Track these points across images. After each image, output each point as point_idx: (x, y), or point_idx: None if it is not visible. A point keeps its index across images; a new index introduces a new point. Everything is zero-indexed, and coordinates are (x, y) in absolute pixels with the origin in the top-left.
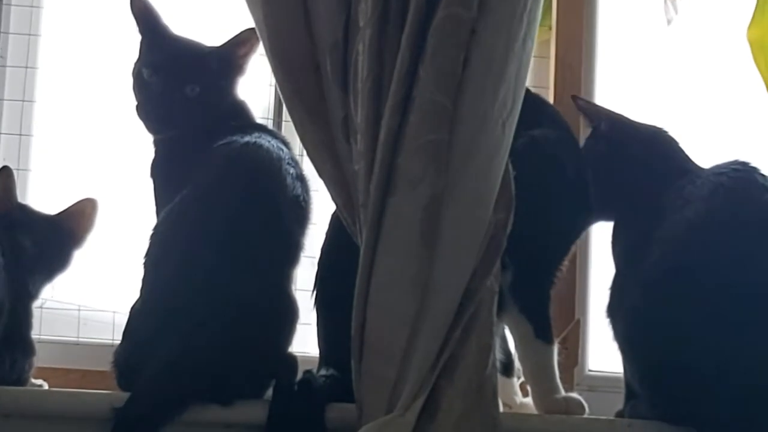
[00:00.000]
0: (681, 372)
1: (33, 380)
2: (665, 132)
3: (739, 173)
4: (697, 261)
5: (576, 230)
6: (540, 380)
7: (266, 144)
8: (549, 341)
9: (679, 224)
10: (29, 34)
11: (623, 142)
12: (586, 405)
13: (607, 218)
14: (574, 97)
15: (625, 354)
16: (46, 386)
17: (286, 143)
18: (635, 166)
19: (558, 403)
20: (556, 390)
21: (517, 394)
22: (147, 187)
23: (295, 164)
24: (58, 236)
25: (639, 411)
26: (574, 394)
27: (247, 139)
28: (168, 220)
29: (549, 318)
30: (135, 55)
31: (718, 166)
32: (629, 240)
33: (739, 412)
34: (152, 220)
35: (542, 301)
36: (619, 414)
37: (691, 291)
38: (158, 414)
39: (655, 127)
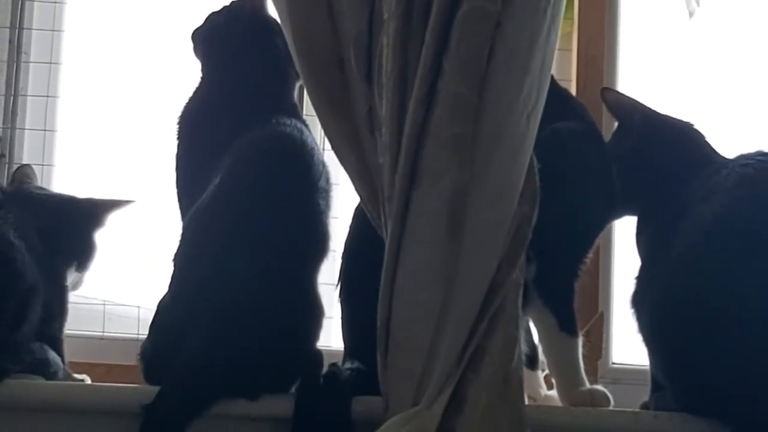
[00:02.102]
0: (706, 364)
1: (75, 375)
2: (694, 126)
3: (765, 164)
4: (722, 253)
5: (600, 223)
6: (565, 373)
7: (296, 133)
8: (573, 334)
9: (705, 216)
10: (53, 30)
11: (656, 136)
12: (611, 397)
13: (633, 212)
14: (604, 90)
15: (649, 345)
16: (88, 380)
17: (310, 131)
18: (665, 160)
19: (583, 395)
20: (581, 382)
21: (542, 387)
22: (172, 181)
23: (321, 153)
24: (78, 215)
25: (664, 403)
26: (599, 387)
27: (274, 129)
28: (198, 216)
29: (573, 311)
30: (158, 48)
31: (743, 156)
32: (655, 232)
33: (762, 404)
34: (176, 214)
35: (566, 294)
36: (645, 406)
37: (715, 283)
38: (187, 409)
39: (684, 121)
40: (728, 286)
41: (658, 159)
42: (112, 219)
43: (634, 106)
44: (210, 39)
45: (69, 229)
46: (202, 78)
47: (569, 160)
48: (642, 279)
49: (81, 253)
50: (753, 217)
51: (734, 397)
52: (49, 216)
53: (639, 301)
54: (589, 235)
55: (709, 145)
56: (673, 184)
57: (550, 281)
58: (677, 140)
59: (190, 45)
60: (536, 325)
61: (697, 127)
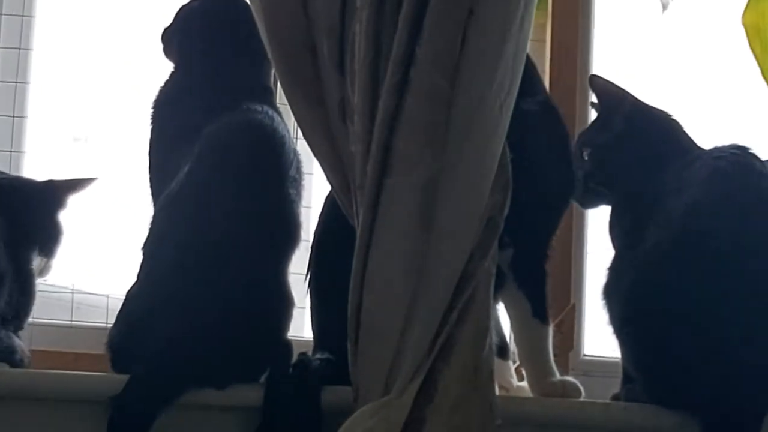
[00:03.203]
0: (675, 356)
1: None
2: (673, 116)
3: (738, 158)
4: (693, 246)
5: (563, 203)
6: (536, 362)
7: (266, 121)
8: (545, 322)
9: (677, 208)
10: (23, 15)
11: (642, 125)
12: (582, 388)
13: (609, 201)
14: (593, 77)
15: (620, 337)
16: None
17: (282, 118)
18: (648, 150)
19: (554, 386)
20: (551, 373)
21: (513, 377)
22: (142, 168)
23: (293, 141)
24: (38, 197)
25: (634, 395)
26: (570, 378)
27: (244, 116)
28: (166, 204)
29: (546, 297)
30: (129, 36)
31: (717, 149)
32: (628, 222)
33: (732, 397)
34: (145, 201)
35: (541, 279)
36: (615, 397)
37: (686, 275)
38: (156, 398)
39: (665, 111)
40: (697, 279)
41: (642, 148)
42: (78, 202)
43: (623, 95)
44: (185, 24)
45: (30, 212)
46: (175, 65)
47: (530, 139)
48: (613, 270)
49: (44, 237)
50: (722, 212)
51: (702, 390)
52: (8, 200)
53: (611, 291)
54: (555, 215)
55: (687, 135)
56: (651, 173)
57: (525, 265)
58: (660, 130)
59: (160, 45)
60: (509, 312)
61: (675, 117)
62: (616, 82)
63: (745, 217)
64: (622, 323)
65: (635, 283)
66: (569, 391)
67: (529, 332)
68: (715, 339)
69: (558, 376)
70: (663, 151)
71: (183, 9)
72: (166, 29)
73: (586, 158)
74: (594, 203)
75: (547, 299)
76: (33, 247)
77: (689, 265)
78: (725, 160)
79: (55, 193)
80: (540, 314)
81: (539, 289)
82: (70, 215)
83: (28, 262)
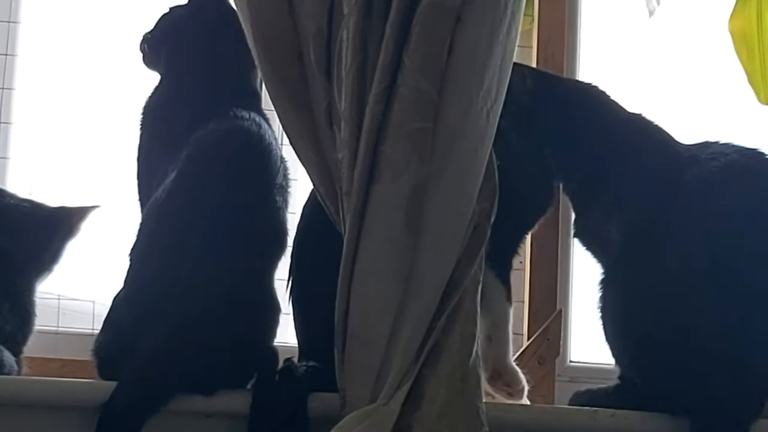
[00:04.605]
0: (666, 358)
1: None
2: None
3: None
4: (677, 249)
5: (543, 200)
6: (502, 342)
7: (253, 128)
8: (511, 303)
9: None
10: (9, 21)
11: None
12: (524, 382)
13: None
14: None
15: (608, 339)
16: None
17: (269, 125)
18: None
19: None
20: (509, 355)
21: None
22: (128, 175)
23: (279, 148)
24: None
25: (623, 396)
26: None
27: (231, 123)
28: (153, 211)
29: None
30: (115, 42)
31: (711, 151)
32: (617, 226)
33: (722, 400)
34: (131, 208)
35: (510, 268)
36: (589, 392)
37: (681, 280)
38: (143, 405)
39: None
40: (689, 284)
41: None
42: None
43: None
44: (171, 31)
45: (40, 238)
46: (163, 72)
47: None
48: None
49: (49, 263)
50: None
51: (692, 393)
52: (19, 225)
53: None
54: (532, 213)
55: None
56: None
57: (501, 254)
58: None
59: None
60: (484, 297)
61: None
62: None
63: (733, 218)
64: (613, 328)
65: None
66: (514, 378)
67: (502, 315)
68: (707, 342)
69: (511, 359)
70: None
71: (167, 16)
72: (146, 37)
73: None
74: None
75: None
76: (39, 274)
77: (684, 271)
78: (719, 160)
79: (69, 220)
80: (510, 298)
81: (508, 276)
82: None
83: (32, 291)
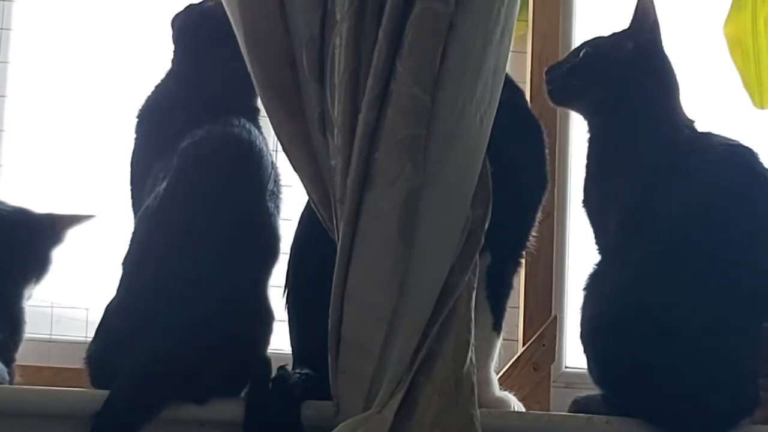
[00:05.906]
0: (642, 367)
1: None
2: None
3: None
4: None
5: (536, 201)
6: (482, 371)
7: (244, 134)
8: (499, 334)
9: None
10: (1, 28)
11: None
12: (512, 404)
13: (576, 106)
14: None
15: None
16: None
17: (260, 132)
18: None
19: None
20: (492, 383)
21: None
22: (121, 183)
23: (271, 154)
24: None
25: (596, 404)
26: (508, 394)
27: (222, 130)
28: (145, 218)
29: (505, 312)
30: (107, 49)
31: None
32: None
33: (697, 409)
34: (124, 216)
35: (507, 294)
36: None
37: (663, 284)
38: (136, 414)
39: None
40: (670, 289)
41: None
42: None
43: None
44: (180, 33)
45: (29, 246)
46: (167, 71)
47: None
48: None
49: (39, 271)
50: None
51: (667, 402)
52: (8, 233)
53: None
54: (530, 216)
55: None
56: (634, 115)
57: (499, 275)
58: (661, 84)
59: (169, 30)
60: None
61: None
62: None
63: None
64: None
65: (611, 293)
66: (498, 405)
67: (484, 342)
68: (682, 350)
69: (497, 389)
70: (653, 104)
71: (189, 8)
72: (175, 16)
73: (581, 55)
74: (563, 98)
75: (504, 314)
76: (26, 281)
77: (665, 274)
78: (717, 155)
79: (55, 227)
80: (498, 328)
81: (503, 302)
82: None
83: (20, 297)
